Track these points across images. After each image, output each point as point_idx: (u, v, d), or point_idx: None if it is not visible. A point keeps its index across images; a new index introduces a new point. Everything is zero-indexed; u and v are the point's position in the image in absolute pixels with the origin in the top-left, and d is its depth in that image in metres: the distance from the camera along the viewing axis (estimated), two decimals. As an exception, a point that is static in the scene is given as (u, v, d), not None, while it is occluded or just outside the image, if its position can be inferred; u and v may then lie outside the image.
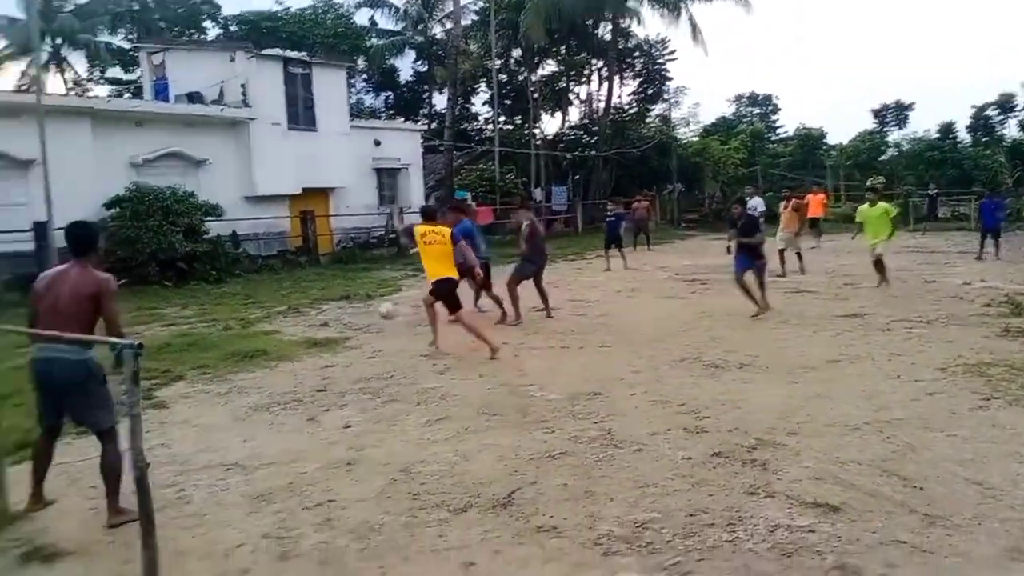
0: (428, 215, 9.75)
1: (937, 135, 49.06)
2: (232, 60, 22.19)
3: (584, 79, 43.14)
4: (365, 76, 42.14)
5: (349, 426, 6.35)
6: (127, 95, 34.56)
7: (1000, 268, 16.55)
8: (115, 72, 40.96)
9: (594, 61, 41.70)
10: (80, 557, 4.06)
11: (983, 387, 6.92)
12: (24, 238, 15.85)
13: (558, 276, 17.47)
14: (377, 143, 26.69)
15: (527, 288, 11.45)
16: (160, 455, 5.50)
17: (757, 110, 64.63)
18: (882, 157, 50.76)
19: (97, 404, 4.53)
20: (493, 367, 8.45)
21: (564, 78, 42.43)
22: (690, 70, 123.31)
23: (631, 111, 44.12)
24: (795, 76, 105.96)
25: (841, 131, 73.60)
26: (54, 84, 38.55)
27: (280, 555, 4.04)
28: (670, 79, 44.12)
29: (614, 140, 38.93)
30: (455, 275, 9.32)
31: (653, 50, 42.95)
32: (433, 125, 38.30)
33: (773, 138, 60.03)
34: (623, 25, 39.70)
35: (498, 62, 37.86)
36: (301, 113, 23.01)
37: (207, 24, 41.68)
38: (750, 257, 11.23)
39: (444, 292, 9.26)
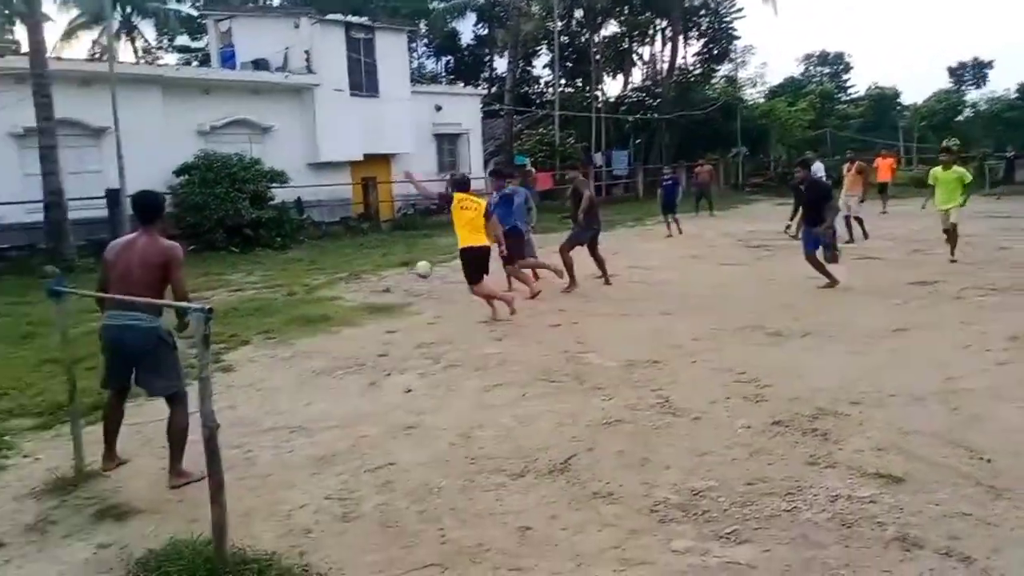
0: (462, 184, 9.80)
1: (1017, 95, 46.88)
2: (296, 26, 22.38)
3: (648, 40, 42.43)
4: (426, 40, 42.15)
5: (409, 391, 6.47)
6: (195, 63, 35.28)
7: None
8: (183, 40, 41.80)
9: (658, 21, 40.89)
10: (150, 515, 4.23)
11: (1058, 358, 6.68)
12: (98, 204, 16.41)
13: (618, 242, 17.36)
14: (438, 108, 26.70)
15: (581, 254, 11.35)
16: (227, 417, 5.67)
17: (827, 70, 62.71)
18: (958, 118, 48.95)
19: (167, 370, 4.68)
20: (551, 334, 8.48)
21: (627, 39, 41.73)
22: (758, 28, 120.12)
23: (695, 72, 43.25)
24: (869, 33, 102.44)
25: (916, 91, 71.49)
26: (125, 53, 39.51)
27: (342, 516, 4.16)
28: (737, 38, 43.19)
29: (677, 102, 38.24)
30: (485, 242, 9.31)
31: (720, 8, 41.88)
32: (493, 89, 38.19)
33: (844, 99, 58.27)
34: (689, -18, 38.84)
35: (560, 23, 37.39)
36: (363, 79, 23.13)
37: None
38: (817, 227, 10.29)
39: (470, 259, 9.28)
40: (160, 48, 42.87)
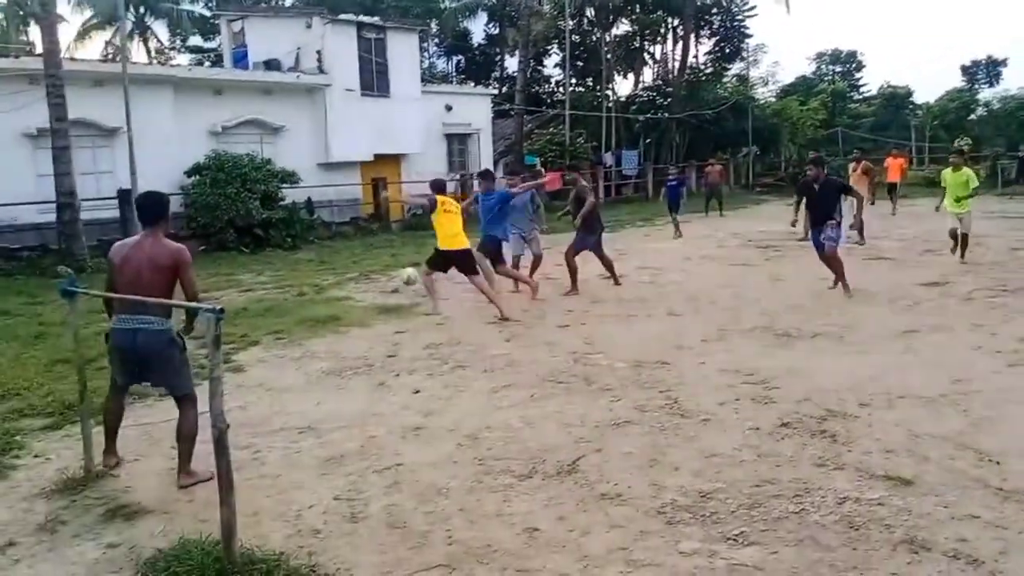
0: (440, 187, 10.04)
1: (1030, 93, 46.62)
2: (308, 27, 22.42)
3: (659, 38, 42.29)
4: (437, 40, 42.18)
5: (418, 391, 6.48)
6: (207, 63, 35.44)
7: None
8: (195, 40, 41.95)
9: (670, 19, 40.75)
10: (159, 515, 4.26)
11: (1071, 360, 6.65)
12: (110, 205, 16.53)
13: (627, 243, 17.37)
14: (448, 108, 26.71)
15: (588, 259, 11.31)
16: (237, 417, 5.70)
17: (839, 68, 62.42)
18: (971, 117, 48.57)
19: (177, 371, 4.71)
20: (559, 335, 8.48)
21: (638, 38, 41.62)
22: (770, 27, 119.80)
23: (707, 71, 43.10)
24: (882, 31, 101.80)
25: (928, 89, 70.88)
26: (138, 53, 39.72)
27: (350, 516, 4.17)
28: (749, 37, 42.93)
29: (688, 101, 38.12)
30: (466, 245, 9.68)
31: (732, 6, 41.73)
32: (504, 89, 38.17)
33: (856, 97, 57.97)
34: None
35: (571, 22, 37.34)
36: (375, 78, 23.14)
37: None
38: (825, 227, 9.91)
39: (448, 260, 9.71)
40: (173, 48, 43.11)
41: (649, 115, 39.19)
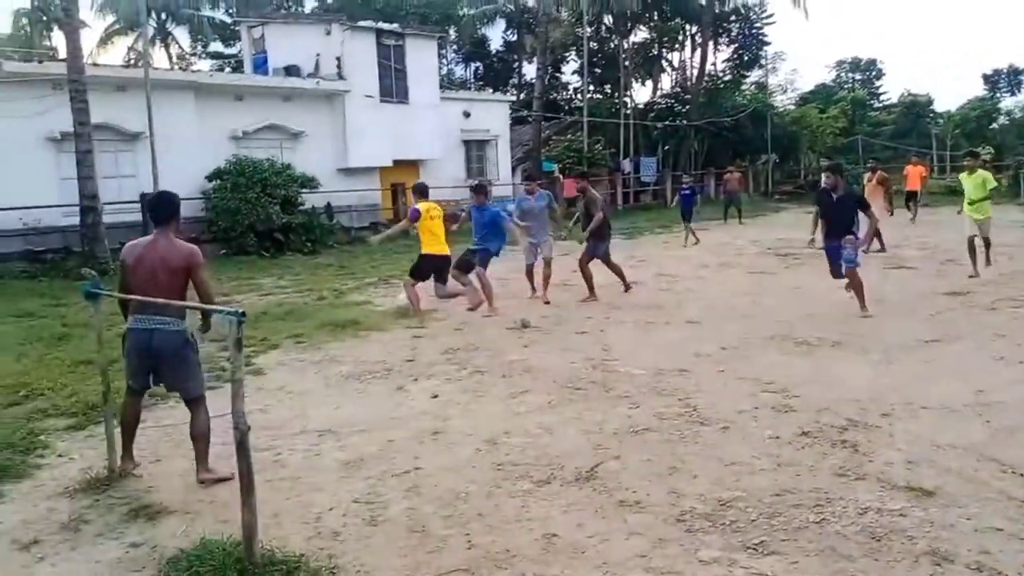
0: (422, 192, 10.13)
1: (1054, 102, 46.21)
2: (328, 33, 22.62)
3: (677, 46, 42.24)
4: (455, 46, 42.33)
5: (436, 396, 6.50)
6: (228, 69, 35.73)
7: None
8: (216, 47, 42.39)
9: (688, 27, 40.73)
10: (181, 515, 4.29)
11: (1095, 371, 6.57)
12: (132, 209, 16.70)
13: (645, 250, 17.35)
14: (466, 114, 26.83)
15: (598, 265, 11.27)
16: (258, 420, 5.74)
17: (859, 76, 62.09)
18: (992, 126, 48.16)
19: (190, 372, 4.76)
20: (577, 341, 8.48)
21: (656, 45, 41.61)
22: (789, 34, 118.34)
23: (725, 78, 43.02)
24: (902, 39, 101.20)
25: (949, 98, 70.14)
26: (160, 59, 40.14)
27: (369, 519, 4.19)
28: (767, 44, 42.85)
29: (707, 108, 38.04)
30: (447, 252, 9.88)
31: (751, 14, 41.64)
32: (522, 96, 38.24)
33: (876, 105, 57.65)
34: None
35: (589, 29, 37.38)
36: (393, 85, 23.29)
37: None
38: (842, 242, 9.28)
39: (430, 265, 9.85)
40: (194, 54, 43.59)
41: (667, 122, 39.13)
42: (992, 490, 4.31)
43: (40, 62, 18.33)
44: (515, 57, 44.25)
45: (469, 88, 40.28)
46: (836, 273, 9.63)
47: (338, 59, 22.40)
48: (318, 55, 22.61)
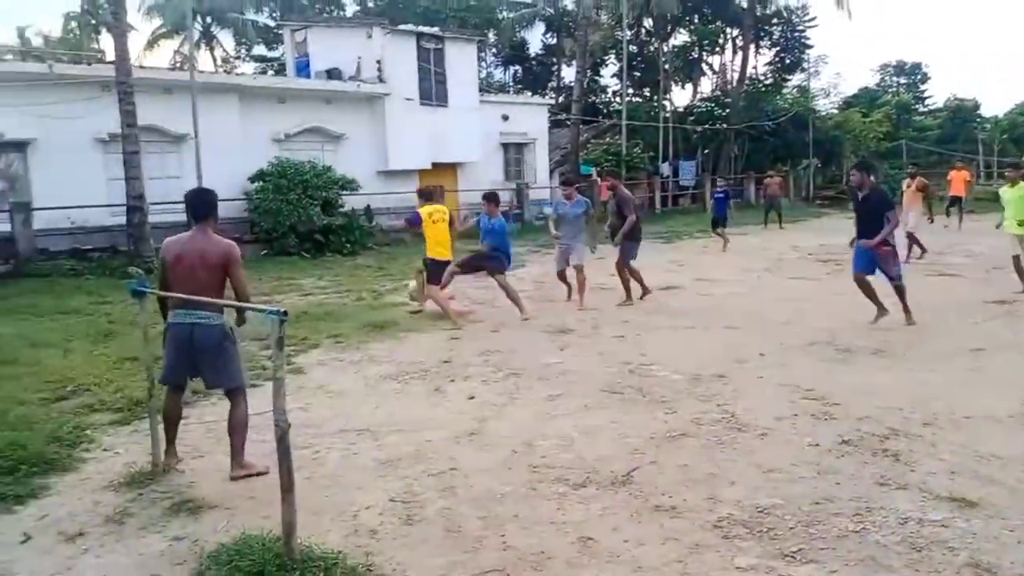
0: (426, 195, 10.26)
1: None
2: (369, 37, 22.80)
3: (718, 49, 41.91)
4: (495, 50, 42.45)
5: (472, 397, 6.53)
6: (271, 72, 36.25)
7: None
8: (260, 50, 43.01)
9: (729, 30, 40.41)
10: (222, 510, 4.37)
11: None
12: (177, 209, 16.86)
13: (684, 254, 17.24)
14: (505, 118, 26.85)
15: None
16: (298, 418, 5.81)
17: (904, 80, 61.07)
18: (1043, 130, 47.04)
19: (229, 363, 4.86)
20: (614, 345, 8.45)
21: (696, 48, 41.32)
22: (832, 37, 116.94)
23: (767, 82, 42.57)
24: (948, 42, 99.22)
25: (997, 102, 68.59)
26: (204, 62, 40.85)
27: (406, 519, 4.22)
28: (810, 47, 42.30)
29: (747, 112, 37.67)
30: (449, 256, 9.90)
31: (793, 17, 41.15)
32: (560, 99, 38.20)
33: (921, 110, 56.64)
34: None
35: (629, 32, 37.24)
36: (433, 88, 23.40)
37: (346, 0, 42.96)
38: (873, 249, 8.83)
39: (434, 268, 9.89)
40: (238, 58, 44.24)
41: (707, 126, 38.83)
42: (1039, 503, 4.22)
43: (89, 64, 18.76)
44: (554, 60, 44.22)
45: (508, 91, 40.32)
46: (858, 275, 9.18)
47: (379, 62, 22.57)
48: (359, 58, 22.80)
